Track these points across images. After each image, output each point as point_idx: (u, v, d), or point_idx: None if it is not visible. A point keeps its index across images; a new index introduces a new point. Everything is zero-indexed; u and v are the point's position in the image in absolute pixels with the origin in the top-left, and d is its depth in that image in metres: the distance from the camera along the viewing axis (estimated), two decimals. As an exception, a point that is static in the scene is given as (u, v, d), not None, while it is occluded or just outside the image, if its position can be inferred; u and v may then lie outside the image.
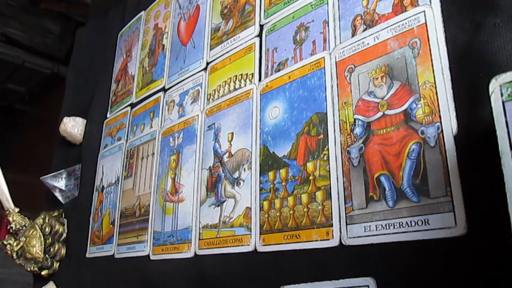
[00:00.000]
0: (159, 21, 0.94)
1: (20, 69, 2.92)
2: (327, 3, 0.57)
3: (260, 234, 0.55)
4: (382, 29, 0.49)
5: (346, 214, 0.46)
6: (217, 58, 0.73)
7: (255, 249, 0.55)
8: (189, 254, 0.64)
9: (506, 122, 0.29)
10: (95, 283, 0.84)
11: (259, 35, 0.67)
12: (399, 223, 0.42)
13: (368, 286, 0.42)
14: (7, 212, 0.93)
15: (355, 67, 0.51)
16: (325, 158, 0.50)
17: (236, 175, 0.61)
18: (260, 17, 0.68)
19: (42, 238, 0.90)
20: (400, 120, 0.45)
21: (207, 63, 0.75)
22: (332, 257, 0.47)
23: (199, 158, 0.69)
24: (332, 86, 0.52)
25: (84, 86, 1.15)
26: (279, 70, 0.61)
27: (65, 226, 0.97)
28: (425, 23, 0.45)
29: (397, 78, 0.46)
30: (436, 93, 0.43)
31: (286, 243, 0.51)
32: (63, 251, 0.94)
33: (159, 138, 0.80)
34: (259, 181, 0.57)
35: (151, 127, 0.84)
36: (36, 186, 1.08)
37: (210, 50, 0.76)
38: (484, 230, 0.36)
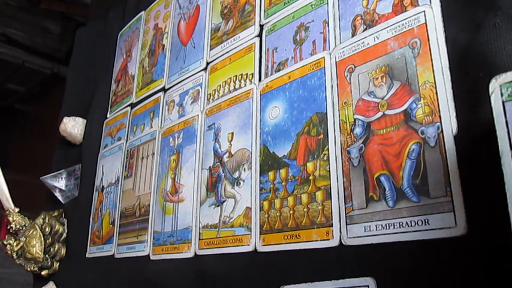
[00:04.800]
0: (159, 21, 0.94)
1: (20, 69, 2.92)
2: (327, 3, 0.57)
3: (260, 234, 0.55)
4: (382, 29, 0.49)
5: (346, 214, 0.46)
6: (217, 58, 0.73)
7: (255, 249, 0.55)
8: (189, 254, 0.64)
9: (506, 122, 0.29)
10: (95, 283, 0.84)
11: (259, 35, 0.67)
12: (399, 223, 0.42)
13: (368, 286, 0.42)
14: (7, 212, 0.93)
15: (355, 67, 0.51)
16: (325, 158, 0.50)
17: (236, 175, 0.61)
18: (260, 17, 0.68)
19: (42, 238, 0.90)
20: (400, 120, 0.45)
21: (207, 63, 0.75)
22: (332, 257, 0.47)
23: (199, 158, 0.69)
24: (332, 86, 0.52)
25: (84, 86, 1.15)
26: (279, 70, 0.61)
27: (65, 226, 0.97)
28: (425, 23, 0.45)
29: (397, 78, 0.46)
30: (436, 93, 0.43)
31: (286, 243, 0.51)
32: (63, 251, 0.94)
33: (159, 138, 0.80)
34: (259, 181, 0.57)
35: (151, 127, 0.84)
36: (36, 186, 1.07)
37: (210, 50, 0.76)
38: (484, 230, 0.36)
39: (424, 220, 0.40)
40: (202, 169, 0.68)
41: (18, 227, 0.92)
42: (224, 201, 0.62)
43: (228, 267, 0.58)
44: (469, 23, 0.43)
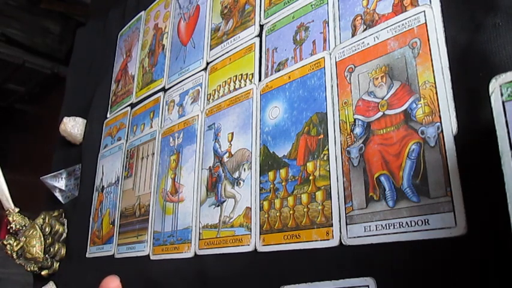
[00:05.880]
0: (159, 21, 0.94)
1: (20, 69, 2.92)
2: (327, 3, 0.57)
3: (260, 234, 0.55)
4: (382, 29, 0.49)
5: (346, 214, 0.46)
6: (217, 58, 0.73)
7: (255, 249, 0.55)
8: (189, 254, 0.64)
9: (506, 122, 0.29)
10: (95, 283, 0.83)
11: (259, 35, 0.67)
12: (399, 223, 0.42)
13: (368, 286, 0.42)
14: (7, 212, 0.93)
15: (355, 67, 0.51)
16: (325, 158, 0.50)
17: (236, 175, 0.61)
18: (260, 17, 0.68)
19: (42, 238, 0.90)
20: (400, 120, 0.45)
21: (207, 63, 0.75)
22: (332, 257, 0.47)
23: (199, 158, 0.69)
24: (332, 86, 0.52)
25: (84, 86, 1.15)
26: (279, 70, 0.61)
27: (65, 226, 0.97)
28: (425, 23, 0.45)
29: (397, 78, 0.46)
30: (436, 93, 0.43)
31: (286, 243, 0.51)
32: (63, 251, 0.94)
33: (159, 138, 0.80)
34: (259, 181, 0.57)
35: (151, 127, 0.84)
36: (36, 186, 1.08)
37: (210, 50, 0.76)
38: (484, 230, 0.36)
39: (424, 220, 0.40)
40: (202, 169, 0.68)
41: (18, 227, 0.92)
42: (224, 201, 0.62)
43: (228, 267, 0.58)
44: (469, 23, 0.43)
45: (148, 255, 0.72)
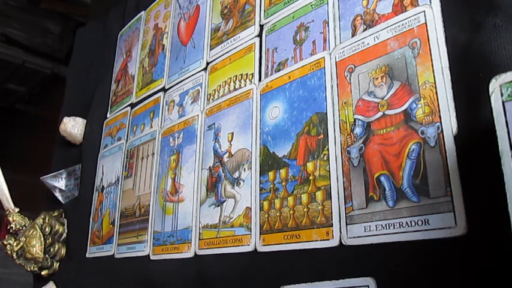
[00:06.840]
0: (159, 21, 0.94)
1: (20, 69, 2.92)
2: (327, 3, 0.57)
3: (260, 234, 0.55)
4: (382, 29, 0.49)
5: (346, 214, 0.46)
6: (217, 58, 0.73)
7: (255, 249, 0.55)
8: (189, 254, 0.64)
9: (506, 122, 0.29)
10: (95, 283, 0.84)
11: (259, 35, 0.67)
12: (399, 223, 0.42)
13: (368, 286, 0.42)
14: (7, 212, 0.93)
15: (355, 67, 0.51)
16: (325, 158, 0.50)
17: (236, 175, 0.61)
18: (260, 17, 0.68)
19: (42, 238, 0.90)
20: (400, 120, 0.45)
21: (207, 63, 0.75)
22: (332, 257, 0.47)
23: (199, 158, 0.69)
24: (332, 86, 0.52)
25: (84, 86, 1.15)
26: (279, 70, 0.61)
27: (65, 226, 0.97)
28: (425, 23, 0.45)
29: (397, 78, 0.46)
30: (436, 93, 0.43)
31: (286, 243, 0.51)
32: (63, 251, 0.94)
33: (159, 138, 0.80)
34: (259, 181, 0.57)
35: (151, 127, 0.84)
36: (36, 186, 1.07)
37: (210, 50, 0.76)
38: (484, 230, 0.36)
39: (424, 220, 0.40)
40: (202, 169, 0.68)
41: (18, 227, 0.92)
42: (224, 201, 0.62)
43: (228, 267, 0.58)
44: (469, 23, 0.43)
45: (148, 255, 0.72)
